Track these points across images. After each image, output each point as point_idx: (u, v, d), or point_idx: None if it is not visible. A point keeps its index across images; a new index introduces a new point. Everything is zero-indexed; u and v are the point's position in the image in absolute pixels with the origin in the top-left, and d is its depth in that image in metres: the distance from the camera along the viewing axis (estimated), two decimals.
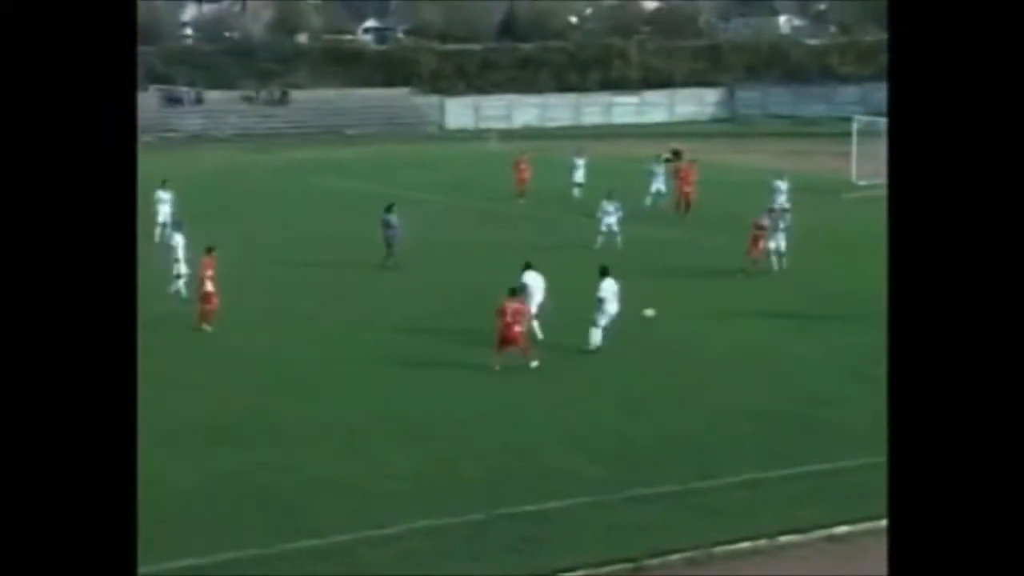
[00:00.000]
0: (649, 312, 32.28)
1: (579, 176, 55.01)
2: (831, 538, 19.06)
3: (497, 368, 27.39)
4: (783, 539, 18.92)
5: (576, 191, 53.80)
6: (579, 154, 55.99)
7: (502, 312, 27.71)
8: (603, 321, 29.64)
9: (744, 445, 23.12)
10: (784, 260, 38.43)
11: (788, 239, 38.93)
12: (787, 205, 46.63)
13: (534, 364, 27.68)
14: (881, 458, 21.91)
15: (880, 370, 27.97)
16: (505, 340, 27.72)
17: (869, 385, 26.71)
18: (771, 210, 39.24)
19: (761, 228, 38.15)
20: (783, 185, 47.69)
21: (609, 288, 29.83)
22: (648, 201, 51.18)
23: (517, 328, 27.68)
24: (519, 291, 28.74)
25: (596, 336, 29.56)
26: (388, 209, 40.39)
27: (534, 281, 30.76)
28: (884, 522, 19.10)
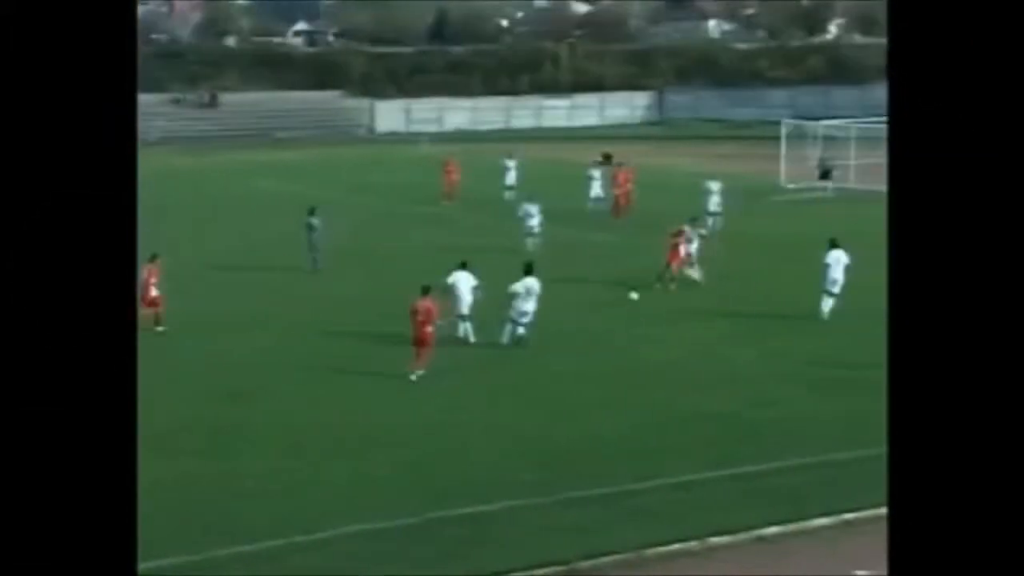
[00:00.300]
0: (634, 295, 34.33)
1: (511, 179, 55.14)
2: (760, 539, 19.22)
3: (413, 378, 26.91)
4: (714, 540, 19.05)
5: (508, 194, 53.91)
6: (510, 157, 56.12)
7: (414, 312, 27.51)
8: (514, 316, 30.20)
9: (678, 447, 23.25)
10: (695, 267, 37.85)
11: (703, 246, 38.63)
12: (719, 209, 46.99)
13: (415, 376, 26.93)
14: (809, 459, 22.29)
15: (813, 372, 28.32)
16: (416, 341, 27.38)
17: (802, 387, 27.02)
18: (693, 219, 39.06)
19: (679, 235, 37.32)
20: (715, 187, 47.96)
21: (524, 285, 30.29)
22: (589, 205, 51.49)
23: (427, 328, 27.23)
24: (431, 289, 28.20)
25: (507, 332, 30.17)
26: (311, 212, 40.48)
27: (463, 282, 30.83)
28: (812, 522, 19.49)
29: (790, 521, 19.57)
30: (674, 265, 36.69)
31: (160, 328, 31.26)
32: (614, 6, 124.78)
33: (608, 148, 65.44)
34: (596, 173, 52.89)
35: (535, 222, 42.80)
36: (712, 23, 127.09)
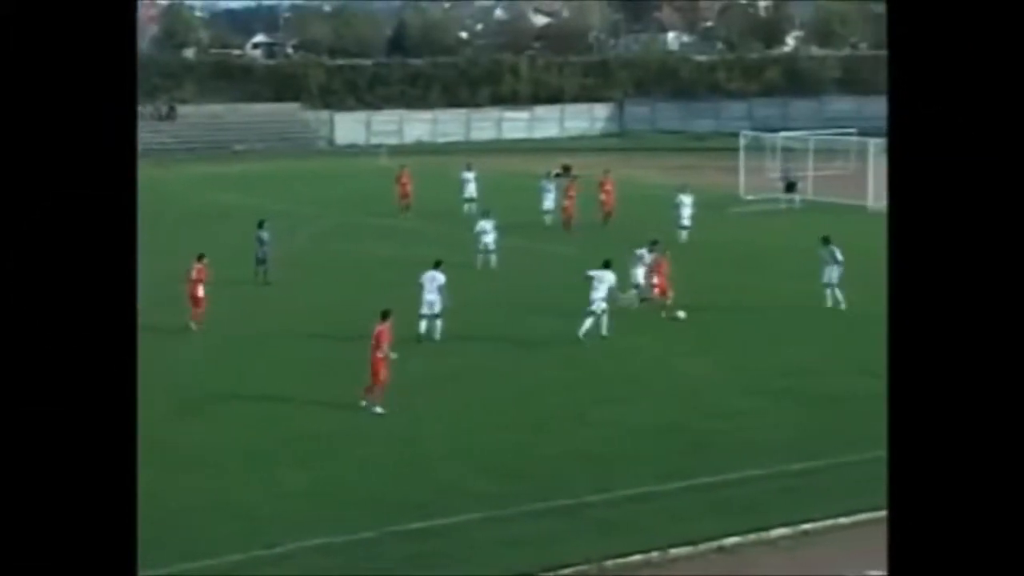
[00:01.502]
0: (681, 314, 33.73)
1: (470, 191, 55.13)
2: (720, 549, 19.25)
3: (363, 403, 26.07)
4: (674, 551, 19.07)
5: (467, 206, 53.88)
6: (469, 169, 56.14)
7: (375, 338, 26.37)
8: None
9: (638, 459, 23.26)
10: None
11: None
12: (689, 223, 47.24)
13: (364, 403, 26.06)
14: (767, 469, 22.35)
15: (774, 383, 28.40)
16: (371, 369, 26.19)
17: (762, 399, 27.10)
18: (654, 243, 38.39)
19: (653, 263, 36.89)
20: (687, 200, 48.26)
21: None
22: (546, 218, 51.63)
23: (378, 354, 26.00)
24: (390, 314, 27.00)
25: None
26: (260, 225, 40.63)
27: (430, 281, 31.76)
28: (771, 532, 19.55)
29: (750, 531, 19.62)
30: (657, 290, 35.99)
31: (194, 326, 33.09)
32: (573, 18, 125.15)
33: (568, 160, 65.59)
34: (550, 185, 53.06)
35: (490, 239, 42.41)
36: (671, 35, 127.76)
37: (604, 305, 32.21)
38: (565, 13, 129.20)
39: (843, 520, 20.12)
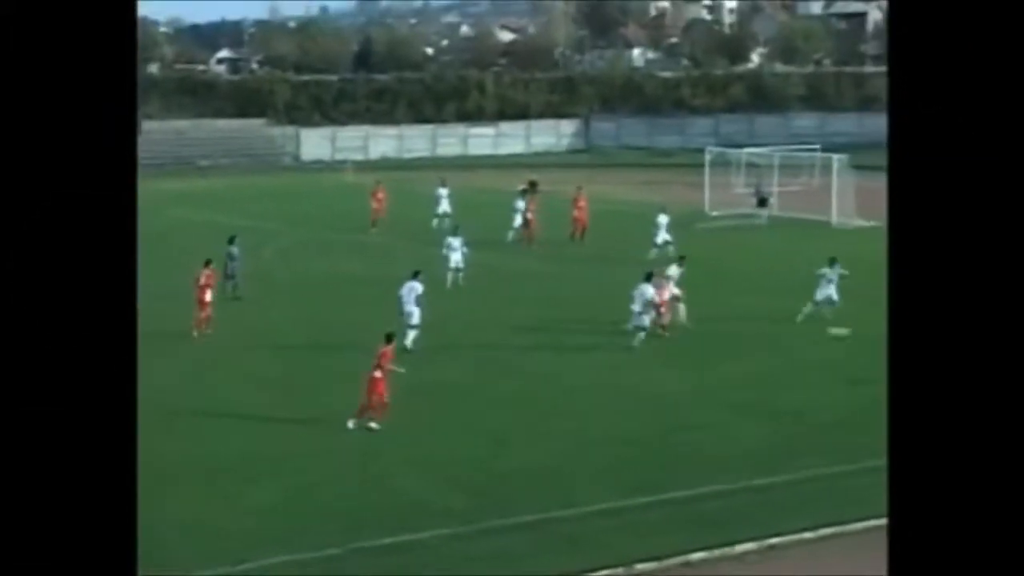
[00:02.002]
0: (842, 332, 33.45)
1: (444, 207, 55.09)
2: (687, 564, 19.26)
3: (350, 425, 25.77)
4: (640, 567, 19.06)
5: (438, 222, 53.75)
6: (443, 185, 56.13)
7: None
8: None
9: (605, 473, 23.26)
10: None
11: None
12: (669, 238, 47.54)
13: (354, 423, 25.78)
14: (733, 484, 22.38)
15: (740, 396, 28.45)
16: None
17: (729, 412, 27.15)
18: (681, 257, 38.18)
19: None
20: (663, 220, 48.50)
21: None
22: (511, 234, 51.76)
23: (375, 373, 25.88)
24: (394, 337, 27.35)
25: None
26: (231, 241, 40.53)
27: (408, 291, 32.30)
28: (737, 547, 19.57)
29: (715, 546, 19.63)
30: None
31: (196, 333, 33.45)
32: (539, 35, 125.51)
33: (535, 176, 65.64)
34: (522, 202, 53.16)
35: (459, 256, 42.11)
36: (636, 52, 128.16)
37: (644, 320, 32.80)
38: (531, 30, 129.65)
39: (808, 535, 20.17)
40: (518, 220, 52.23)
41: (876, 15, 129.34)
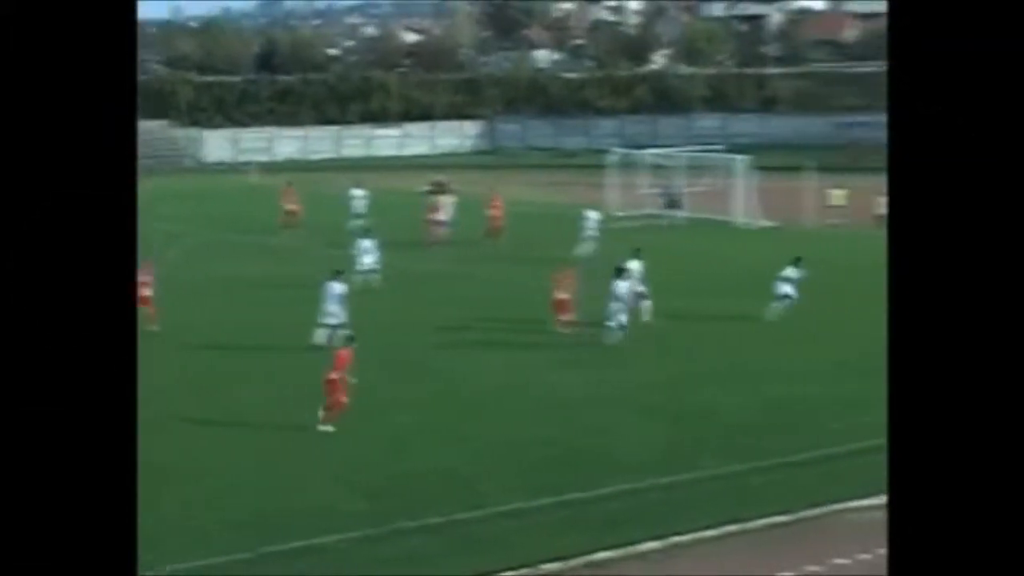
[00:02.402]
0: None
1: (358, 208, 54.99)
2: (591, 564, 19.36)
3: (320, 429, 25.85)
4: (545, 567, 19.13)
5: (354, 223, 53.54)
6: (358, 186, 56.09)
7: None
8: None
9: (507, 475, 23.32)
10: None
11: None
12: (597, 235, 48.15)
13: (328, 428, 25.89)
14: (637, 484, 22.53)
15: (645, 397, 28.67)
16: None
17: (631, 414, 27.32)
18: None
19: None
20: (594, 215, 49.33)
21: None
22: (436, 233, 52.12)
23: (332, 375, 25.99)
24: (354, 340, 27.40)
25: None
26: None
27: (330, 290, 32.58)
28: (641, 546, 19.70)
29: (620, 546, 19.76)
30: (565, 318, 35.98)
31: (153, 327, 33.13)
32: (443, 36, 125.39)
33: (440, 176, 65.60)
34: (447, 200, 53.62)
35: (371, 259, 41.82)
36: (541, 53, 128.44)
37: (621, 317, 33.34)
38: (435, 31, 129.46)
39: (711, 532, 20.36)
40: (442, 217, 52.65)
41: (777, 17, 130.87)
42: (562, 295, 35.49)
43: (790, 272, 36.96)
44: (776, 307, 36.49)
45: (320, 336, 32.02)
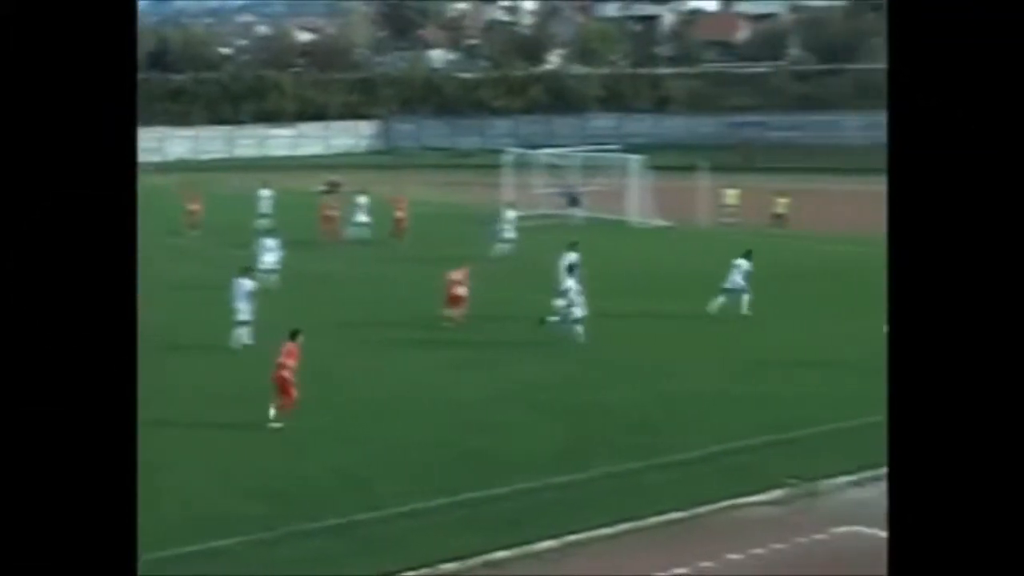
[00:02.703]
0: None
1: (264, 208, 54.85)
2: (488, 564, 19.41)
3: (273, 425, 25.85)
4: (443, 567, 19.15)
5: (259, 222, 53.18)
6: (266, 187, 56.01)
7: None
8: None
9: (406, 476, 23.28)
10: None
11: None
12: (514, 235, 49.07)
13: (276, 425, 25.92)
14: (532, 483, 22.62)
15: (540, 396, 28.68)
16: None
17: (527, 412, 27.41)
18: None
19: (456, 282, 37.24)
20: (510, 214, 50.06)
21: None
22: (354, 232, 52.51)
23: (284, 373, 26.08)
24: (299, 334, 27.11)
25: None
26: None
27: (238, 288, 32.83)
28: (537, 545, 19.80)
29: (516, 545, 19.83)
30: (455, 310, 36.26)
31: None
32: (338, 35, 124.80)
33: (336, 176, 65.42)
34: (361, 200, 53.86)
35: (272, 258, 41.66)
36: (437, 53, 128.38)
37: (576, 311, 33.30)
38: (330, 30, 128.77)
39: (606, 531, 20.51)
40: (360, 219, 53.03)
41: (669, 18, 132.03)
42: (458, 291, 35.77)
43: (740, 266, 37.57)
44: (721, 301, 37.08)
45: (238, 334, 32.25)
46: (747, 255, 37.91)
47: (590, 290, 34.58)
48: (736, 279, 37.29)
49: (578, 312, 33.49)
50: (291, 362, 26.16)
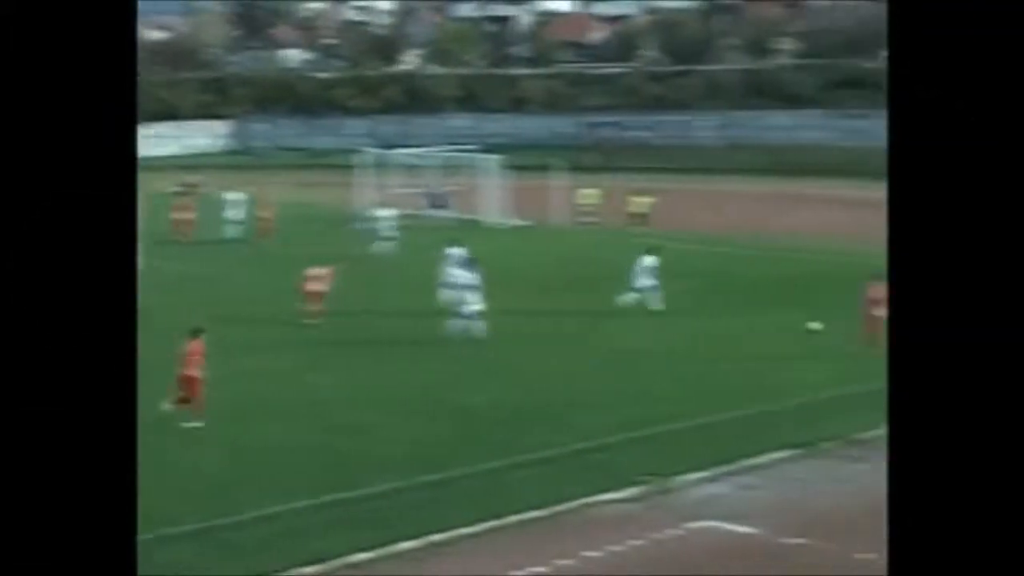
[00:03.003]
0: (815, 325, 33.61)
1: None
2: (350, 566, 19.43)
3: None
4: (305, 570, 19.13)
5: None
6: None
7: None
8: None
9: (264, 479, 23.19)
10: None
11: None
12: (396, 234, 49.35)
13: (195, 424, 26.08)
14: (395, 484, 22.69)
15: (401, 393, 28.82)
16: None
17: (387, 414, 27.46)
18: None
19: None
20: (387, 213, 50.57)
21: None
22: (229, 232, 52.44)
23: (190, 371, 26.17)
24: (201, 332, 27.14)
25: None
26: None
27: None
28: (399, 545, 19.87)
29: (379, 546, 19.88)
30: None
31: None
32: (190, 34, 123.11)
33: (192, 177, 64.62)
34: (232, 197, 53.83)
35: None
36: (291, 52, 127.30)
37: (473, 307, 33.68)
38: (183, 29, 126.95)
39: (468, 530, 20.66)
40: (230, 216, 52.81)
41: (525, 19, 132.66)
42: (315, 287, 35.68)
43: (647, 262, 38.05)
44: (630, 298, 37.60)
45: None
46: (652, 251, 38.39)
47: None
48: (643, 277, 37.84)
49: (476, 308, 33.66)
50: (196, 360, 26.02)
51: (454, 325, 33.67)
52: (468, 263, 35.48)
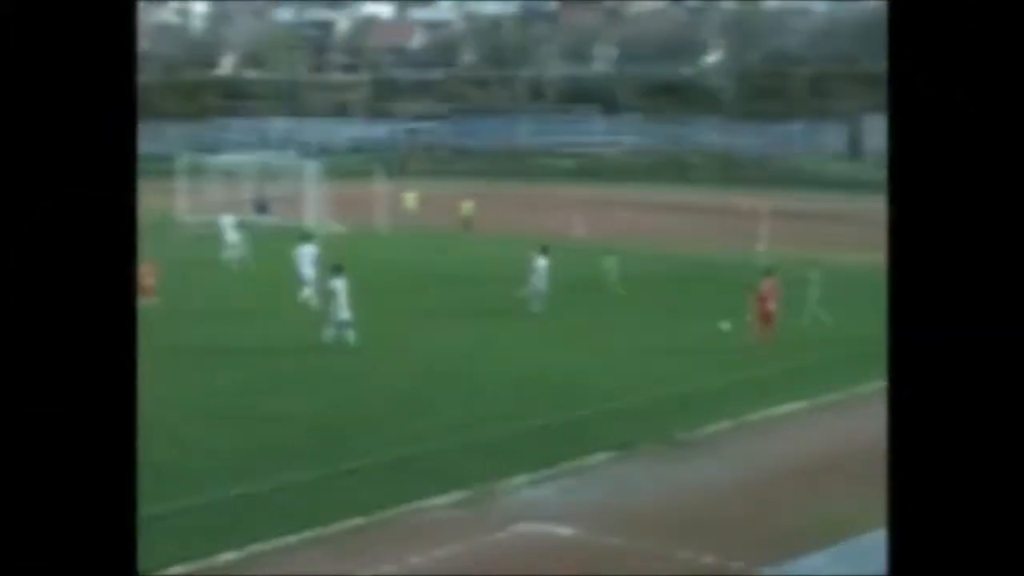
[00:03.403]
0: (725, 326, 34.38)
1: None
2: None
3: None
4: None
5: None
6: None
7: None
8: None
9: None
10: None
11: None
12: (239, 239, 48.84)
13: None
14: (215, 496, 22.27)
15: (216, 407, 28.13)
16: None
17: (204, 424, 26.98)
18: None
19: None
20: (230, 221, 49.94)
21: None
22: None
23: None
24: None
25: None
26: None
27: None
28: (220, 557, 19.51)
29: (197, 558, 19.50)
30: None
31: None
32: None
33: None
34: None
35: None
36: None
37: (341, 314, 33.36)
38: None
39: (290, 539, 20.40)
40: None
41: (345, 24, 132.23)
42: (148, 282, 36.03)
43: (537, 264, 38.58)
44: (533, 296, 38.27)
45: None
46: (544, 251, 39.12)
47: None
48: (534, 280, 38.57)
49: (345, 315, 33.45)
50: None
51: (326, 335, 33.47)
52: (335, 270, 35.25)
